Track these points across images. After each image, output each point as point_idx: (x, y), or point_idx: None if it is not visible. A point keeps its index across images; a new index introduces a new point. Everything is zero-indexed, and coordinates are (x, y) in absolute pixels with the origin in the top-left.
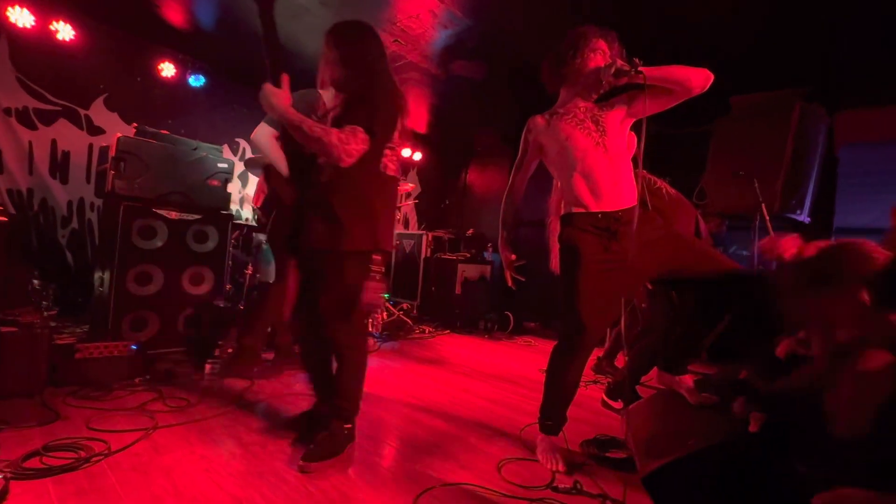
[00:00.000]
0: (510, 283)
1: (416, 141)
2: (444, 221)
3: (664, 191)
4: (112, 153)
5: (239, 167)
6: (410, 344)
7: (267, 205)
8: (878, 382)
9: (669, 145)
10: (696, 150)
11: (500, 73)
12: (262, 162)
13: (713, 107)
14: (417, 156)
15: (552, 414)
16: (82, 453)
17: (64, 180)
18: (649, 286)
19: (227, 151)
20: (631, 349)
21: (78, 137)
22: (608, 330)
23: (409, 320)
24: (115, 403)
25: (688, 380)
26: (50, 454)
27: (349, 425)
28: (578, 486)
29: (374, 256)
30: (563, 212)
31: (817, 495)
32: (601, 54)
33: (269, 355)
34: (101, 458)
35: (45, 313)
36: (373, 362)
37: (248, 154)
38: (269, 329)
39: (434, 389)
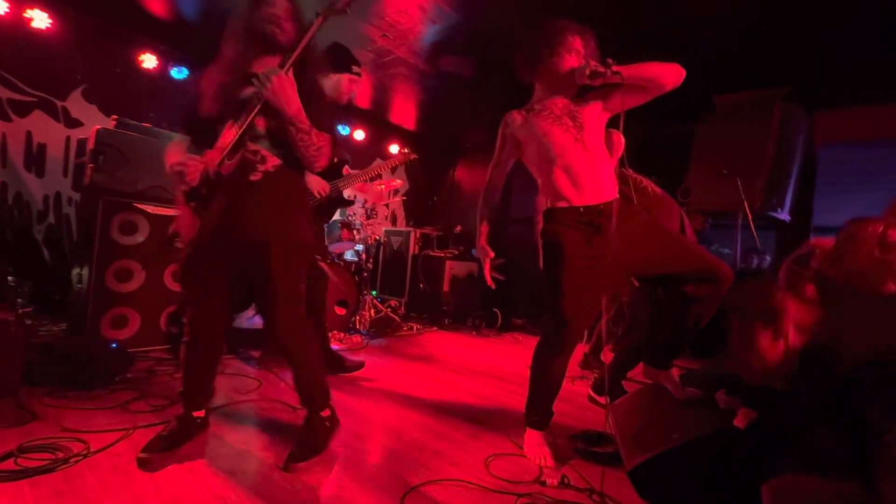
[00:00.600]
0: (489, 282)
1: (404, 137)
2: (433, 218)
3: (650, 190)
4: (91, 146)
5: None
6: (398, 341)
7: None
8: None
9: (654, 143)
10: (681, 148)
11: (488, 70)
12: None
13: (698, 105)
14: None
15: (538, 409)
16: (60, 454)
17: (40, 174)
18: (636, 283)
19: None
20: (616, 344)
21: (54, 130)
22: (594, 325)
23: (396, 317)
24: (95, 403)
25: (673, 374)
26: (26, 455)
27: (327, 411)
28: (566, 481)
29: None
30: (545, 207)
31: (768, 481)
32: (576, 55)
33: (255, 353)
34: (80, 458)
35: (21, 311)
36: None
37: None
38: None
39: (422, 386)
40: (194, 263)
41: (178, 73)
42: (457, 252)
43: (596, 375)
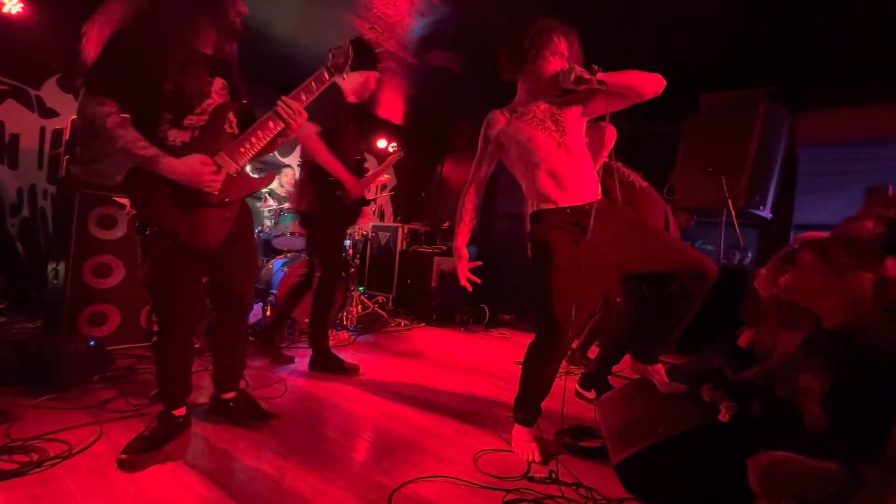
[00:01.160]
0: (464, 283)
1: (392, 132)
2: (420, 214)
3: (637, 184)
4: (66, 137)
5: None
6: (386, 337)
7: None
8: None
9: (641, 142)
10: (667, 146)
11: (478, 67)
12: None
13: (684, 104)
14: (393, 147)
15: (527, 407)
16: (35, 456)
17: (13, 165)
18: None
19: None
20: (603, 340)
21: (28, 119)
22: (586, 322)
23: (384, 313)
24: (72, 403)
25: (659, 369)
26: None
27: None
28: (553, 476)
29: None
30: (531, 209)
31: (753, 457)
32: (560, 57)
33: None
34: (57, 461)
35: None
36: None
37: None
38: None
39: (409, 383)
40: (180, 264)
41: None
42: (444, 248)
43: (583, 371)
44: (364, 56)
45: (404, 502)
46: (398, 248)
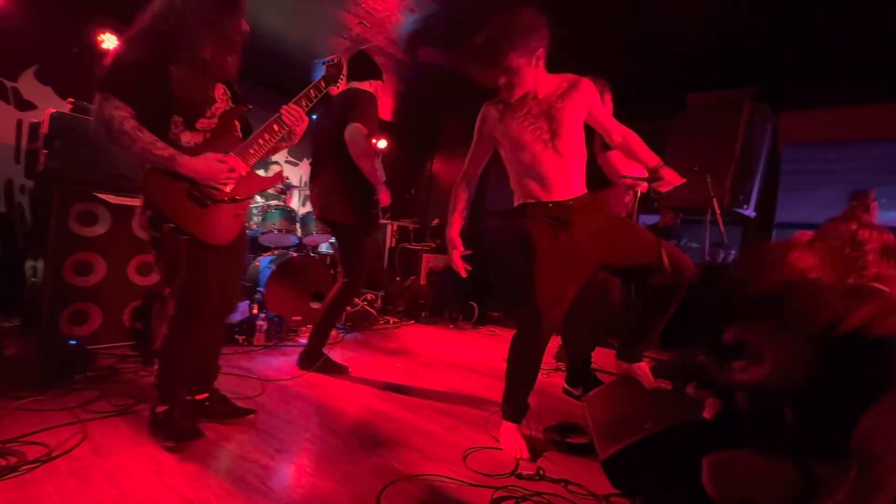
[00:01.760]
0: (462, 273)
1: (381, 128)
2: (410, 211)
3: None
4: (45, 130)
5: None
6: (375, 335)
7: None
8: None
9: None
10: (654, 145)
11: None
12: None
13: (671, 103)
14: (382, 143)
15: (514, 402)
16: (12, 459)
17: None
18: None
19: None
20: (566, 333)
21: (4, 112)
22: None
23: (373, 311)
24: (52, 404)
25: (643, 367)
26: None
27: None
28: (541, 473)
29: None
30: (516, 203)
31: (709, 455)
32: (536, 62)
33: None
34: (37, 465)
35: None
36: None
37: None
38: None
39: (398, 380)
40: (210, 257)
41: None
42: (434, 245)
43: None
44: (369, 67)
45: (393, 501)
46: (387, 245)
